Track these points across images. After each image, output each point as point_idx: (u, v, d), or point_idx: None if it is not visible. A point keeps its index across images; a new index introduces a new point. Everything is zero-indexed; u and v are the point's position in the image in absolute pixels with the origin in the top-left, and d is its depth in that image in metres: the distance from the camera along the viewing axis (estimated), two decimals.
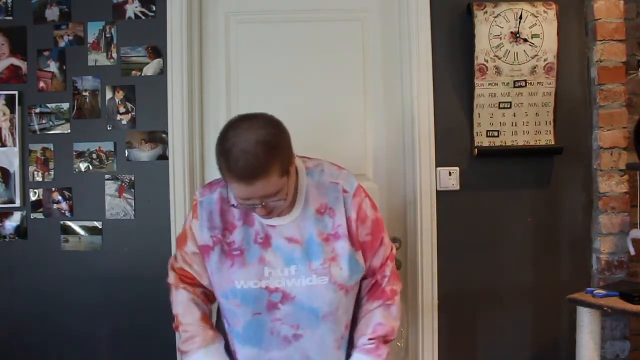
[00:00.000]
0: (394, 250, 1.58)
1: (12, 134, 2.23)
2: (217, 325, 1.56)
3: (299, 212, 1.42)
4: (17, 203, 2.23)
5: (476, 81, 2.17)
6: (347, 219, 1.43)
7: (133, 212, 2.23)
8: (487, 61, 2.17)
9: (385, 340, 1.48)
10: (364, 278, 1.52)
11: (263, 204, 1.30)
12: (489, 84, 2.18)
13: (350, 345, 1.49)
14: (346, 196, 1.44)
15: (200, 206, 1.45)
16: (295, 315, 1.40)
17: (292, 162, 1.36)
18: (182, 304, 1.49)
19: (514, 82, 2.17)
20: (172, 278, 1.53)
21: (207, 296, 1.52)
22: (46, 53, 2.24)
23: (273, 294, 1.39)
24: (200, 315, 1.48)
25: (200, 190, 1.50)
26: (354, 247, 1.43)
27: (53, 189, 2.24)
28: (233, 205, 1.39)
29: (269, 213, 1.34)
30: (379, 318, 1.48)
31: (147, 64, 2.23)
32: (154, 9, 2.23)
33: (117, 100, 2.24)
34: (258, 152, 1.24)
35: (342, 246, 1.42)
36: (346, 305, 1.46)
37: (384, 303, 1.49)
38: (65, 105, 2.24)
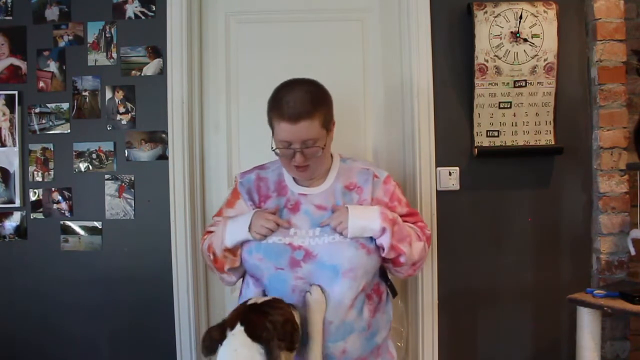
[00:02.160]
0: (429, 231, 1.69)
1: (12, 134, 2.23)
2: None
3: (329, 185, 1.60)
4: (17, 203, 2.23)
5: (476, 81, 2.17)
6: (374, 200, 1.59)
7: (133, 212, 2.23)
8: (487, 61, 2.17)
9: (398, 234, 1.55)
10: None
11: (302, 149, 1.48)
12: (489, 83, 2.18)
13: (373, 309, 1.54)
14: (377, 181, 1.62)
15: (241, 185, 1.66)
16: (317, 274, 1.48)
17: (333, 122, 1.59)
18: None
19: (514, 82, 2.17)
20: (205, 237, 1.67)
21: None
22: (46, 53, 2.24)
23: (296, 251, 1.50)
24: None
25: (239, 174, 1.71)
26: None
27: (53, 189, 2.24)
28: (273, 150, 1.54)
29: (306, 161, 1.50)
30: (406, 229, 1.58)
31: (147, 64, 2.23)
32: (154, 9, 2.23)
33: (117, 100, 2.24)
34: (306, 99, 1.48)
35: None
36: (366, 266, 1.52)
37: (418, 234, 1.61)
38: (65, 105, 2.24)
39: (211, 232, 1.65)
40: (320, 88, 1.57)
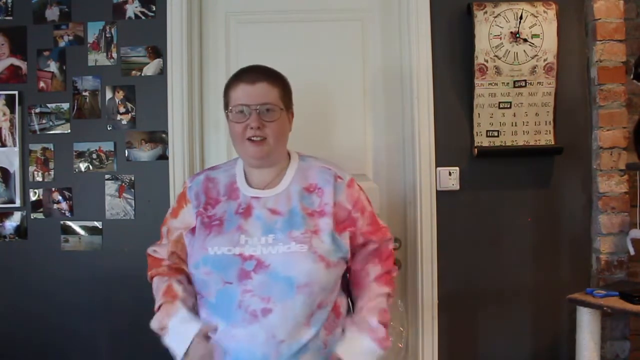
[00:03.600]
0: (391, 239, 1.60)
1: (12, 134, 2.23)
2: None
3: (285, 187, 1.45)
4: (17, 203, 2.24)
5: (476, 81, 2.17)
6: (336, 203, 1.44)
7: (133, 212, 2.23)
8: (487, 61, 2.17)
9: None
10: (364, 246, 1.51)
11: (259, 111, 1.39)
12: (489, 84, 2.18)
13: (330, 326, 1.41)
14: (340, 183, 1.47)
15: (189, 190, 1.51)
16: (268, 286, 1.33)
17: (292, 111, 1.51)
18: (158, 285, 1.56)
19: (514, 82, 2.17)
20: (149, 266, 1.62)
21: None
22: (46, 53, 2.24)
23: (247, 262, 1.35)
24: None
25: (189, 178, 1.59)
26: (336, 230, 1.42)
27: (53, 189, 2.24)
28: (227, 112, 1.45)
29: (262, 129, 1.39)
30: (384, 304, 1.47)
31: (147, 64, 2.23)
32: (154, 9, 2.23)
33: (117, 100, 2.24)
34: (264, 68, 1.46)
35: (327, 222, 1.41)
36: (324, 281, 1.38)
37: (386, 293, 1.49)
38: (65, 105, 2.24)
39: (156, 259, 1.58)
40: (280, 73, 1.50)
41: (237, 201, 1.44)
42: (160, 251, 1.59)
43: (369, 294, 1.49)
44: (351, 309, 1.53)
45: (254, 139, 1.40)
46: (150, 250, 1.63)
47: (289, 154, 1.54)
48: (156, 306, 1.51)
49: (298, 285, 1.34)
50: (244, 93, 1.41)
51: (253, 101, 1.40)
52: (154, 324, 1.48)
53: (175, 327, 1.43)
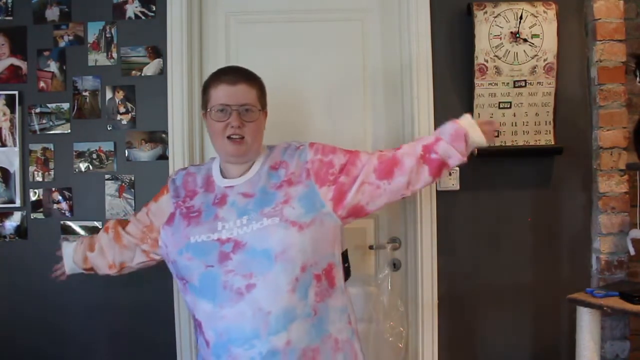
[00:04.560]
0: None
1: (12, 134, 2.23)
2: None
3: (255, 172, 1.54)
4: (17, 203, 2.24)
5: (476, 81, 2.17)
6: (307, 162, 1.52)
7: (133, 212, 2.23)
8: (487, 61, 2.17)
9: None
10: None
11: (239, 111, 1.48)
12: (489, 84, 2.18)
13: (321, 294, 1.46)
14: (302, 149, 1.56)
15: (171, 182, 1.64)
16: (247, 263, 1.40)
17: (266, 111, 1.58)
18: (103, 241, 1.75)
19: (514, 82, 2.17)
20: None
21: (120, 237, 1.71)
22: (46, 53, 2.24)
23: (225, 244, 1.43)
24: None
25: (174, 171, 1.73)
26: (317, 184, 1.49)
27: (53, 189, 2.24)
28: (206, 111, 1.53)
29: (242, 127, 1.48)
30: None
31: (147, 64, 2.23)
32: (154, 9, 2.23)
33: (117, 100, 2.24)
34: (243, 70, 1.56)
35: (295, 189, 1.48)
36: (301, 243, 1.42)
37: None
38: (66, 105, 2.24)
39: (124, 222, 1.75)
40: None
41: (214, 193, 1.54)
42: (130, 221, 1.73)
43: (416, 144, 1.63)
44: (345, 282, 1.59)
45: (234, 137, 1.49)
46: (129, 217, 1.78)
47: None
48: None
49: (275, 255, 1.40)
50: (224, 93, 1.49)
51: (234, 101, 1.49)
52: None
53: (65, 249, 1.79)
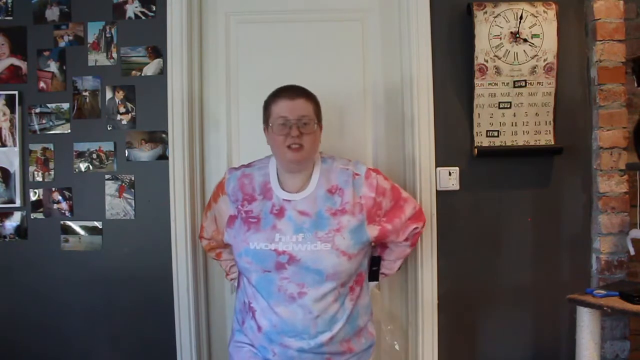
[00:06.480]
0: (419, 206, 1.89)
1: (12, 134, 2.23)
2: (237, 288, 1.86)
3: (312, 190, 1.69)
4: (17, 203, 2.24)
5: (476, 81, 2.18)
6: (361, 197, 1.69)
7: (133, 212, 2.23)
8: (487, 61, 2.17)
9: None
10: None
11: (298, 124, 1.62)
12: (489, 84, 2.18)
13: (354, 297, 1.73)
14: (358, 179, 1.71)
15: (227, 182, 1.77)
16: (301, 275, 1.62)
17: (321, 119, 1.72)
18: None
19: (514, 82, 2.17)
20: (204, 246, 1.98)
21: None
22: (46, 53, 2.24)
23: (281, 256, 1.63)
24: None
25: (227, 170, 1.83)
26: (367, 221, 1.69)
27: (53, 189, 2.24)
28: (268, 125, 1.69)
29: (301, 137, 1.62)
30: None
31: (147, 64, 2.23)
32: (154, 9, 2.23)
33: (117, 100, 2.24)
34: (301, 88, 1.71)
35: (348, 220, 1.66)
36: (348, 269, 1.66)
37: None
38: (66, 105, 2.24)
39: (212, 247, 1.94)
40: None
41: (272, 201, 1.69)
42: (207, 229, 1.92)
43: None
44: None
45: (294, 146, 1.63)
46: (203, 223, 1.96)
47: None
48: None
49: (327, 275, 1.63)
50: (285, 107, 1.65)
51: (293, 115, 1.64)
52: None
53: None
